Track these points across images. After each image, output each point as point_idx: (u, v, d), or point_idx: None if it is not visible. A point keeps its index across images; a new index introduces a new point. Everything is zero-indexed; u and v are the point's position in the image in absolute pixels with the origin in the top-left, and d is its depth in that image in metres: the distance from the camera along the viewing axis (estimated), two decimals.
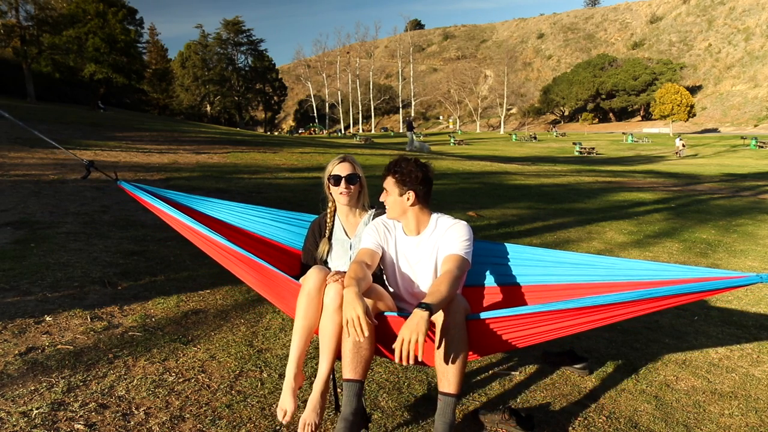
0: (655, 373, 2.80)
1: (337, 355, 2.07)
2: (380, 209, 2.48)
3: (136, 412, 2.18)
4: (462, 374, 1.91)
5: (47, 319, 3.04)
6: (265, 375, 2.57)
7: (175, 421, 2.13)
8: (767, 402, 2.54)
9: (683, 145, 33.45)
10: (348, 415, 1.88)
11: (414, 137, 26.96)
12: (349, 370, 1.93)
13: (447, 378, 1.90)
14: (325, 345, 2.04)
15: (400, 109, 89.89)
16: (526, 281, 2.48)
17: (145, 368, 2.56)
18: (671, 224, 7.55)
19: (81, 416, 2.12)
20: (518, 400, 2.49)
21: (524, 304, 2.41)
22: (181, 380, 2.47)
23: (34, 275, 3.71)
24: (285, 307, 2.45)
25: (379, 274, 2.37)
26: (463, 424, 2.25)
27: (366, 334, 1.83)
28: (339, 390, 2.29)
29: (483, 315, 1.94)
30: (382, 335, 2.05)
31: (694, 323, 3.59)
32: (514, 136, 51.77)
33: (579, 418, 2.33)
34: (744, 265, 5.29)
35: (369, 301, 1.99)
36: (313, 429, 1.97)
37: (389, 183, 2.27)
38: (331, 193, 2.48)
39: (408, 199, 2.24)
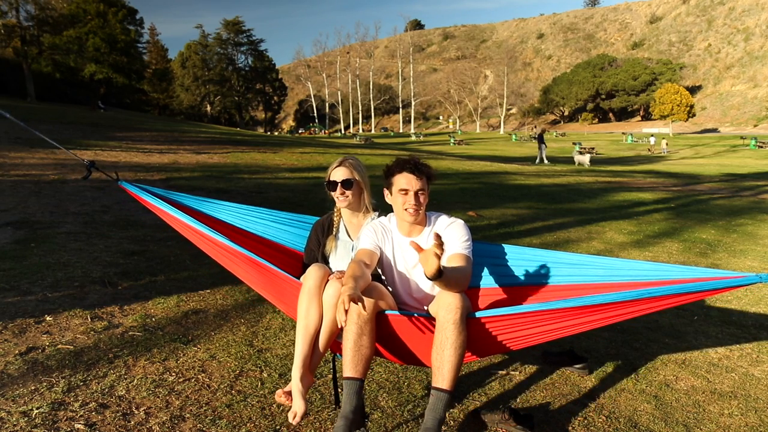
0: (654, 373, 2.80)
1: (327, 350, 2.13)
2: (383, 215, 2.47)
3: (136, 412, 2.18)
4: (457, 371, 1.89)
5: (47, 318, 3.04)
6: (265, 375, 2.57)
7: (176, 421, 2.13)
8: (767, 402, 2.54)
9: (653, 143, 37.81)
10: (348, 413, 1.87)
11: (544, 151, 23.19)
12: (349, 368, 1.93)
13: (441, 373, 1.88)
14: (320, 339, 2.10)
15: (400, 109, 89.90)
16: (524, 282, 2.47)
17: (145, 368, 2.56)
18: (671, 224, 7.55)
19: (81, 416, 2.12)
20: (518, 400, 2.49)
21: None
22: (181, 380, 2.47)
23: (35, 275, 3.72)
24: (286, 308, 2.44)
25: (378, 275, 2.36)
26: (463, 424, 2.25)
27: (343, 315, 1.78)
28: (339, 389, 2.30)
29: (480, 314, 1.93)
30: (382, 334, 2.04)
31: (694, 323, 3.59)
32: (514, 136, 51.79)
33: (579, 418, 2.33)
34: (744, 265, 5.29)
35: (370, 301, 1.98)
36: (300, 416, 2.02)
37: (425, 183, 2.22)
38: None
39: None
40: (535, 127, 71.31)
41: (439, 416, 1.87)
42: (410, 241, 1.86)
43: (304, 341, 2.09)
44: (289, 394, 2.10)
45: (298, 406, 2.01)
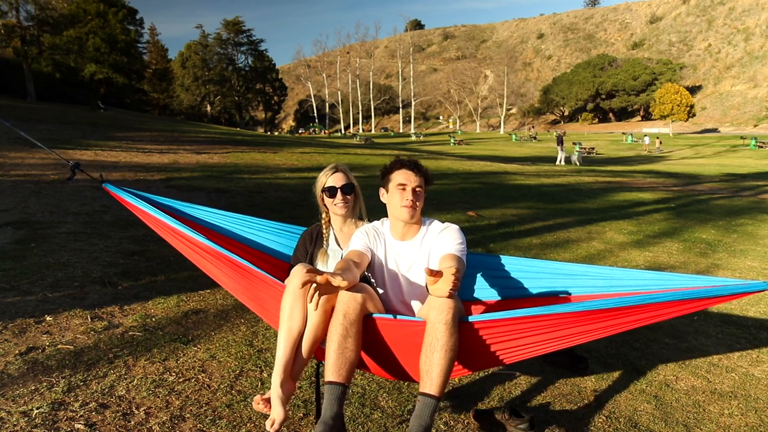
0: (654, 373, 2.80)
1: (311, 356, 2.03)
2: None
3: (136, 412, 2.18)
4: (446, 377, 1.79)
5: (47, 318, 3.04)
6: (265, 375, 2.57)
7: (176, 421, 2.13)
8: (767, 402, 2.54)
9: (648, 142, 38.96)
10: (328, 419, 1.76)
11: (562, 153, 23.40)
12: (332, 372, 1.82)
13: (430, 377, 1.77)
14: (304, 344, 2.00)
15: (400, 109, 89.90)
16: (520, 295, 2.39)
17: (145, 368, 2.56)
18: (671, 224, 7.55)
19: (81, 416, 2.12)
20: (518, 400, 2.49)
21: None
22: (181, 380, 2.47)
23: (35, 275, 3.72)
24: (266, 314, 2.32)
25: (367, 278, 2.28)
26: (463, 424, 2.25)
27: (313, 293, 1.75)
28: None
29: (474, 318, 1.84)
30: (369, 340, 1.94)
31: (694, 323, 3.59)
32: (514, 136, 51.75)
33: (579, 418, 2.33)
34: (744, 265, 5.30)
35: (358, 299, 1.91)
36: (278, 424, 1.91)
37: (423, 182, 2.20)
38: (325, 204, 2.44)
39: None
40: (533, 127, 71.32)
41: (425, 423, 1.75)
42: (425, 268, 1.77)
43: (287, 345, 1.98)
44: (267, 401, 1.99)
45: (276, 413, 1.90)
